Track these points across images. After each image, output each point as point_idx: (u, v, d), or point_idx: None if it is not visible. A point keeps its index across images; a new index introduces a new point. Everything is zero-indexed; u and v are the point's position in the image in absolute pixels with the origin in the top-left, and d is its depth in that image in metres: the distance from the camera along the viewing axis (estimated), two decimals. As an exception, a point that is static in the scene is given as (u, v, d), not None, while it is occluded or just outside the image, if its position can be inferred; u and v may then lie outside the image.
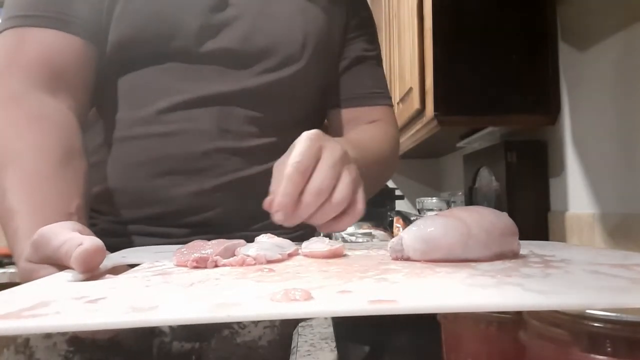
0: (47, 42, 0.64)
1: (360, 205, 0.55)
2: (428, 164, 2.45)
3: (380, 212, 1.85)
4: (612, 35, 0.92)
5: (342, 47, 0.79)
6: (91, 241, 0.38)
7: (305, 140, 0.51)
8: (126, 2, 0.68)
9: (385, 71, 1.91)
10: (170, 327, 0.64)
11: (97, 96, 0.71)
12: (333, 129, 0.82)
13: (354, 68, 0.81)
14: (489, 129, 1.29)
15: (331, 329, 0.77)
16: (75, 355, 0.63)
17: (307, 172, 0.50)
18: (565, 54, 1.10)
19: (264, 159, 0.69)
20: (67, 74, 0.65)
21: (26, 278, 0.43)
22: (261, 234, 0.68)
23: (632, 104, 0.88)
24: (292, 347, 0.71)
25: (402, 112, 1.52)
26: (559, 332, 0.27)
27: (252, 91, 0.70)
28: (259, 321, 0.65)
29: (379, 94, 0.83)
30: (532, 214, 1.17)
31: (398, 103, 1.60)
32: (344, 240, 1.57)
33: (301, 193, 0.50)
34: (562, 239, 1.09)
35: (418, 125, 1.33)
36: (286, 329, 0.68)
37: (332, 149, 0.53)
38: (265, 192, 0.52)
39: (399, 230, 1.62)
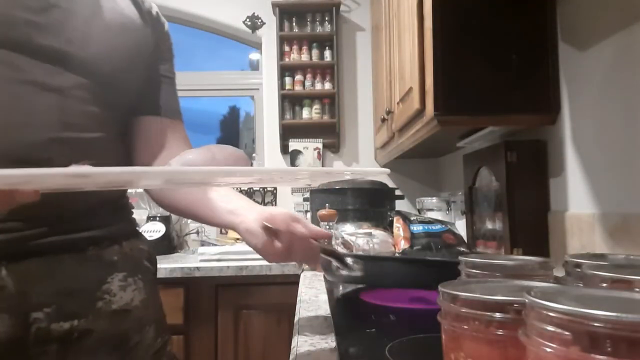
0: None
1: None
2: (428, 164, 2.45)
3: (380, 212, 1.85)
4: (612, 35, 0.92)
5: (155, 65, 0.88)
6: None
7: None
8: None
9: (385, 71, 1.91)
10: (44, 312, 0.67)
11: None
12: (146, 134, 0.89)
13: (166, 85, 0.92)
14: (489, 129, 1.29)
15: (331, 329, 0.77)
16: None
17: None
18: (565, 54, 1.10)
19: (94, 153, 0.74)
20: None
21: None
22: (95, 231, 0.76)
23: (631, 104, 0.88)
24: (292, 347, 0.71)
25: (402, 112, 1.52)
26: (559, 332, 0.27)
27: (80, 87, 0.74)
28: (127, 286, 0.75)
29: (179, 112, 0.96)
30: (532, 214, 1.17)
31: (398, 103, 1.60)
32: (344, 240, 1.57)
33: None
34: (562, 238, 1.10)
35: (418, 125, 1.33)
36: (152, 289, 0.81)
37: None
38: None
39: (399, 230, 1.62)
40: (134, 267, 0.79)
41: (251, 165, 0.64)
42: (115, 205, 0.82)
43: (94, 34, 0.75)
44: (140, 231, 0.88)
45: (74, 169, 0.46)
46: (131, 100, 0.84)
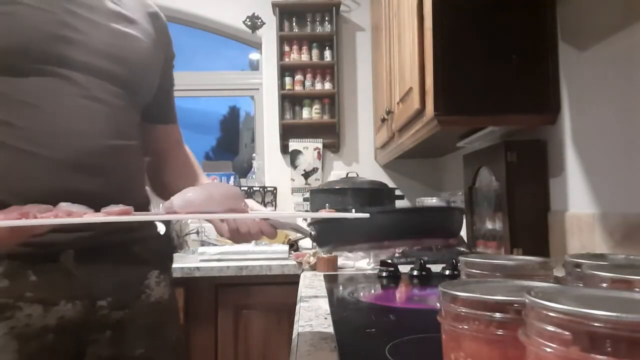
0: None
1: None
2: (428, 164, 2.45)
3: (380, 212, 1.85)
4: (612, 35, 0.92)
5: (164, 73, 0.97)
6: None
7: None
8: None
9: (385, 71, 1.91)
10: (107, 300, 0.78)
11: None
12: (150, 139, 0.96)
13: (170, 93, 1.02)
14: (489, 129, 1.30)
15: (331, 329, 0.77)
16: (25, 345, 0.70)
17: None
18: (565, 54, 1.10)
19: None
20: None
21: None
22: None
23: (631, 104, 0.88)
24: (292, 347, 0.71)
25: (402, 112, 1.52)
26: (559, 332, 0.27)
27: (119, 97, 0.82)
28: (160, 282, 0.87)
29: (176, 115, 1.06)
30: (532, 214, 1.17)
31: (398, 103, 1.60)
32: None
33: None
34: (562, 238, 1.10)
35: (418, 125, 1.33)
36: (172, 285, 0.94)
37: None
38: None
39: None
40: (162, 265, 0.90)
41: (244, 198, 0.76)
42: (145, 209, 0.91)
43: (127, 48, 0.84)
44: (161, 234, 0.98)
45: (124, 217, 0.60)
46: (145, 106, 0.93)
